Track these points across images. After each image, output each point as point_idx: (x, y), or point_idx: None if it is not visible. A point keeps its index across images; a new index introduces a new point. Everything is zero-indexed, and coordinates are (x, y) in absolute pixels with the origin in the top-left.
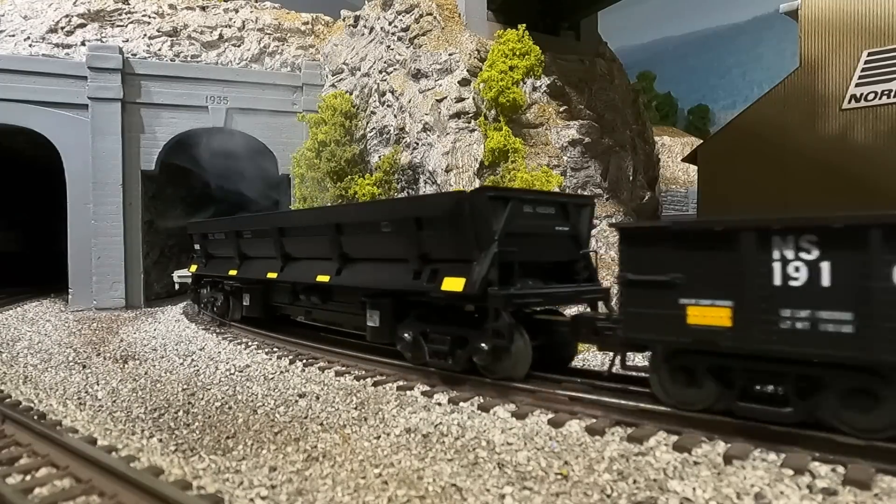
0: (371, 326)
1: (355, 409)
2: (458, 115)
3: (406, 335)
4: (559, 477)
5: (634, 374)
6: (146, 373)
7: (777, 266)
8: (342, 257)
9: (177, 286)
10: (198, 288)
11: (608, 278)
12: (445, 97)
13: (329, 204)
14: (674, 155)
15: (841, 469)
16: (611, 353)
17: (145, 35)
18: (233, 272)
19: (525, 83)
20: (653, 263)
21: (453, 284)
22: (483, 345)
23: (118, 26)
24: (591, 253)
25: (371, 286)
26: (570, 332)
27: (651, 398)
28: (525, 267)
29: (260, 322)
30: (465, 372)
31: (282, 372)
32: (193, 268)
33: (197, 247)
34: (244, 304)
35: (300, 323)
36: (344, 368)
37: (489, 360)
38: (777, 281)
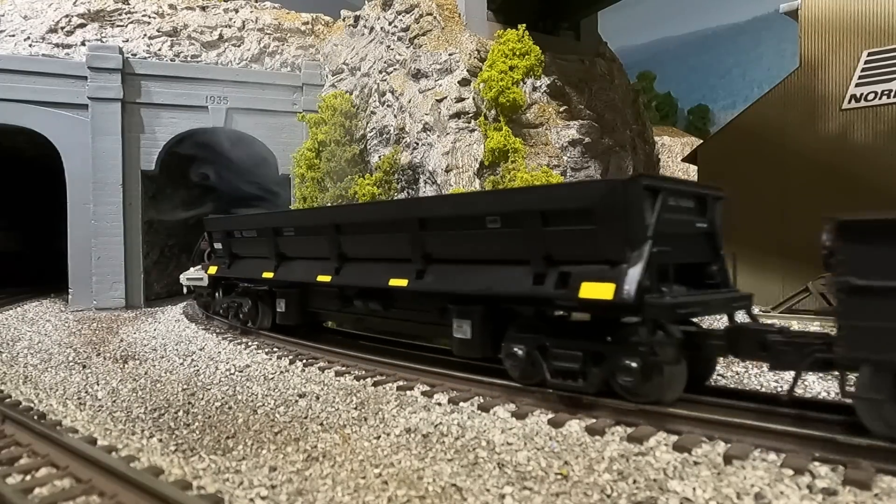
0: (460, 339)
1: (355, 409)
2: (458, 115)
3: (517, 350)
4: (559, 477)
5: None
6: (146, 373)
7: None
8: (425, 258)
9: (185, 289)
10: (214, 291)
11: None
12: (445, 97)
13: (329, 203)
14: (674, 155)
15: (841, 469)
16: (787, 374)
17: (145, 35)
18: (267, 275)
19: (525, 83)
20: (891, 265)
21: (598, 291)
22: (630, 362)
23: (118, 26)
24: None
25: (470, 291)
26: (725, 346)
27: (853, 429)
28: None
29: (293, 330)
30: (599, 394)
31: (282, 372)
32: (213, 269)
33: (218, 246)
34: (278, 310)
35: (337, 331)
36: (344, 368)
37: (638, 381)
38: None
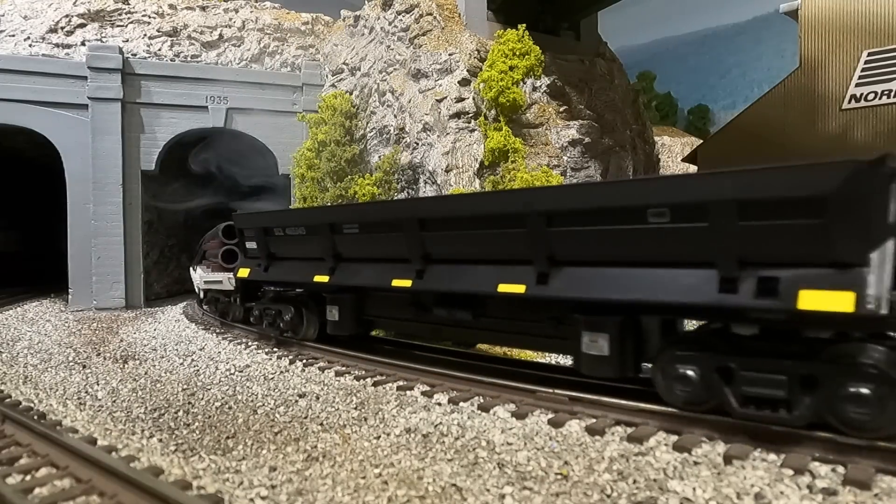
0: (592, 355)
1: (355, 409)
2: (458, 115)
3: (687, 372)
4: (559, 477)
5: None
6: (146, 373)
7: None
8: (550, 260)
9: (201, 292)
10: (236, 296)
11: None
12: (445, 97)
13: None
14: (674, 155)
15: (841, 469)
16: None
17: (145, 35)
18: (320, 279)
19: (525, 83)
20: None
21: (828, 301)
22: (860, 389)
23: (118, 26)
24: None
25: (623, 299)
26: None
27: None
28: None
29: (343, 341)
30: (810, 426)
31: (282, 372)
32: (244, 272)
33: (250, 245)
34: (329, 318)
35: (395, 342)
36: (344, 368)
37: (873, 412)
38: None
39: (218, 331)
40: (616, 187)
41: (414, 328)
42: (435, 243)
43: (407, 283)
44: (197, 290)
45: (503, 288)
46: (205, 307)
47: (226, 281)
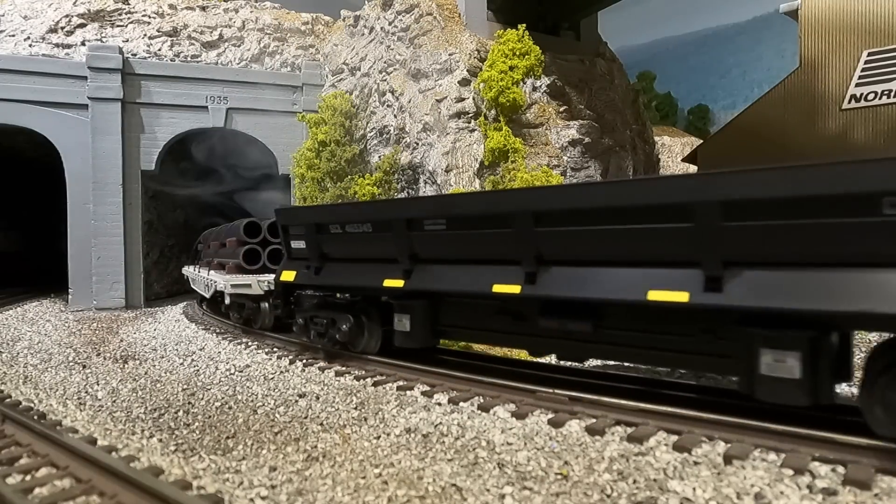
0: (776, 378)
1: (355, 409)
2: (458, 115)
3: None
4: (559, 477)
5: None
6: (146, 373)
7: None
8: (724, 262)
9: (227, 299)
10: (279, 302)
11: None
12: (445, 97)
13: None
14: (674, 155)
15: (841, 469)
16: None
17: (145, 35)
18: (393, 283)
19: (525, 83)
20: None
21: None
22: None
23: (118, 26)
24: None
25: (842, 310)
26: None
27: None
28: None
29: (413, 354)
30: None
31: (282, 372)
32: (288, 275)
33: (297, 245)
34: (398, 328)
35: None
36: (344, 368)
37: None
38: None
39: (218, 331)
40: (839, 170)
41: (506, 340)
42: (554, 242)
43: (513, 288)
44: (206, 291)
45: (656, 296)
46: (204, 309)
47: (255, 284)
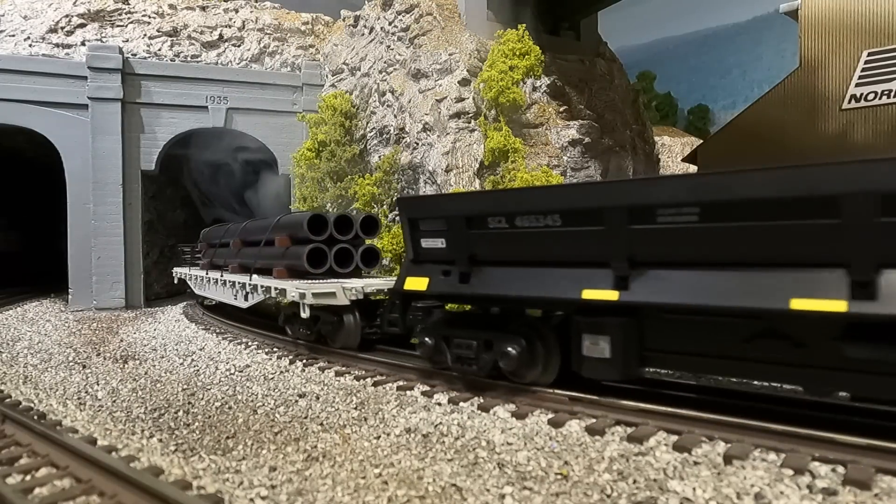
0: None
1: (355, 409)
2: (458, 115)
3: None
4: (559, 477)
5: None
6: (146, 373)
7: None
8: None
9: (303, 310)
10: (397, 317)
11: None
12: (445, 97)
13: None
14: (674, 155)
15: (841, 469)
16: None
17: (145, 35)
18: (604, 296)
19: (525, 83)
20: None
21: None
22: None
23: (118, 26)
24: None
25: None
26: None
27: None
28: None
29: (607, 388)
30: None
31: (282, 372)
32: (417, 283)
33: (431, 244)
34: (591, 353)
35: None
36: (344, 368)
37: None
38: None
39: (218, 331)
40: None
41: (764, 372)
42: None
43: (840, 306)
44: (238, 298)
45: None
46: (286, 329)
47: (340, 293)
